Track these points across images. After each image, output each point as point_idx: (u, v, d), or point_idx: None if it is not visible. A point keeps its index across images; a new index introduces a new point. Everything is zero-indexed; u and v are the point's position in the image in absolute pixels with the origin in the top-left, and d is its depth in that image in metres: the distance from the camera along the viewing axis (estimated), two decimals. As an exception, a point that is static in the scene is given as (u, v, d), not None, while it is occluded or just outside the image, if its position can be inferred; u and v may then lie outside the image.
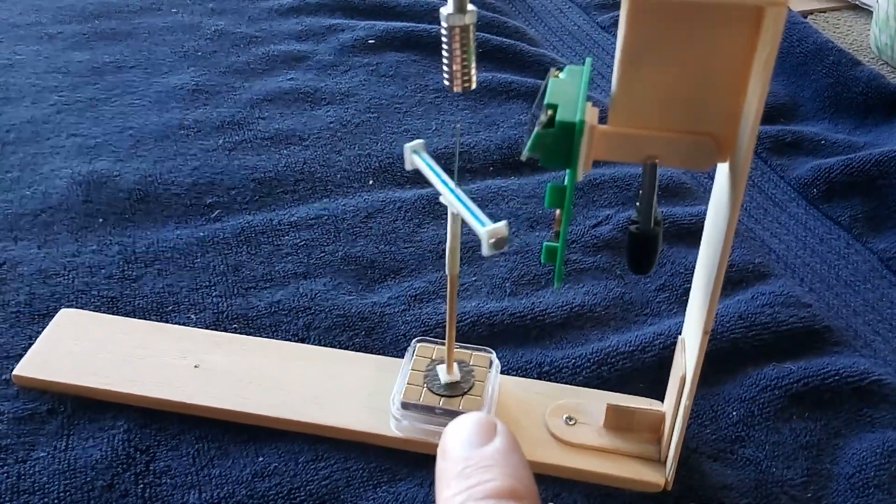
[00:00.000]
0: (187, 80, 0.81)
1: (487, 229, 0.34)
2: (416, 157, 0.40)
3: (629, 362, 0.52)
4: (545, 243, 0.39)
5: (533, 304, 0.56)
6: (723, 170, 0.36)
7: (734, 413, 0.49)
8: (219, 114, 0.76)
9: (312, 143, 0.73)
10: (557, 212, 0.36)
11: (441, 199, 0.40)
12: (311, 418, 0.47)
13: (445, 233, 0.63)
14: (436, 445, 0.45)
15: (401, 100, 0.81)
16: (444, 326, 0.53)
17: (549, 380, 0.51)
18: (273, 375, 0.49)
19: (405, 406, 0.45)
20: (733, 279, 0.59)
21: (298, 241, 0.61)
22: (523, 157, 0.34)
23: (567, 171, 0.34)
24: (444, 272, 0.59)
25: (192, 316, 0.54)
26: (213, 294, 0.56)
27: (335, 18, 0.95)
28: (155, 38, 0.89)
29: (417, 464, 0.46)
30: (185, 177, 0.67)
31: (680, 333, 0.52)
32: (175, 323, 0.54)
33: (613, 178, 0.69)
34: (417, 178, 0.70)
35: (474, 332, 0.54)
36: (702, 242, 0.41)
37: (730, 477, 0.46)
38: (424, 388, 0.46)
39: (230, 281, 0.57)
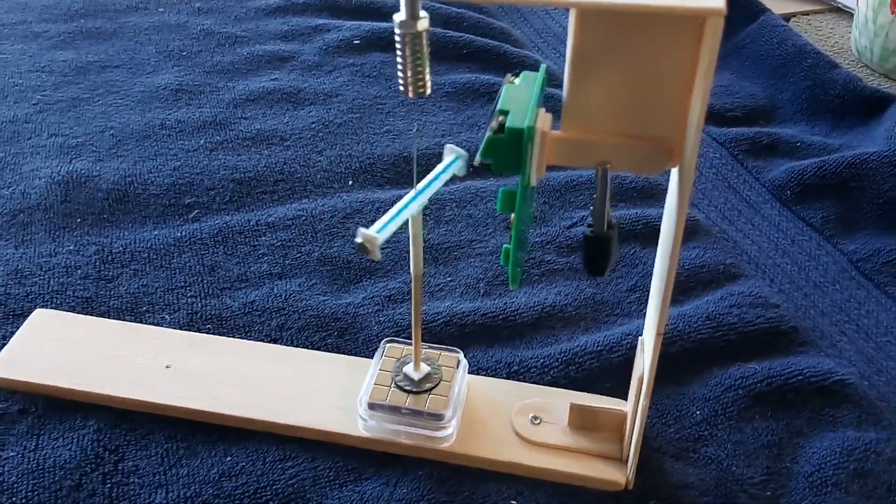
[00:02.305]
0: (171, 80, 0.82)
1: (361, 230, 0.34)
2: (447, 158, 0.40)
3: (596, 362, 0.52)
4: (504, 245, 0.40)
5: (505, 304, 0.57)
6: (675, 175, 0.37)
7: (698, 412, 0.50)
8: (201, 114, 0.77)
9: (294, 143, 0.74)
10: (512, 216, 0.37)
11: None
12: (279, 418, 0.47)
13: (423, 234, 0.64)
14: (403, 445, 0.46)
15: (383, 100, 0.81)
16: (415, 327, 0.54)
17: (518, 379, 0.51)
18: (244, 376, 0.50)
19: (372, 406, 0.46)
20: (704, 280, 0.59)
21: (275, 241, 0.62)
22: (476, 163, 0.34)
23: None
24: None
25: (167, 316, 0.55)
26: (188, 294, 0.57)
27: (321, 18, 0.96)
28: (140, 37, 0.89)
29: (384, 463, 0.46)
30: (165, 177, 0.68)
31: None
32: (149, 323, 0.54)
33: (590, 180, 0.70)
34: (397, 179, 0.71)
35: (446, 332, 0.54)
36: (658, 245, 0.41)
37: (691, 476, 0.46)
38: (392, 388, 0.47)
39: (205, 281, 0.58)
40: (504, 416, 0.48)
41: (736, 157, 0.74)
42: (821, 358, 0.54)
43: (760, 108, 0.81)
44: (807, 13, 1.02)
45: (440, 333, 0.54)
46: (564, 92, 0.35)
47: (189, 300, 0.56)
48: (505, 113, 0.34)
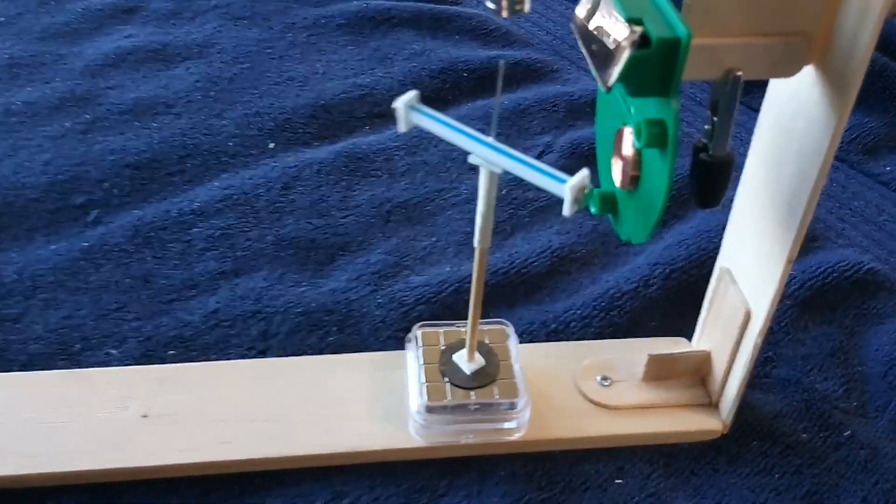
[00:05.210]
0: (-4, 54, 0.66)
1: (570, 184, 0.27)
2: (419, 115, 0.32)
3: (636, 302, 0.47)
4: (597, 191, 0.33)
5: (510, 256, 0.49)
6: (805, 74, 0.31)
7: (755, 334, 0.46)
8: (53, 90, 0.62)
9: (184, 108, 0.61)
10: (632, 152, 0.30)
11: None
12: (312, 448, 0.38)
13: (382, 192, 0.55)
14: (470, 446, 0.39)
15: (269, 44, 0.69)
16: (426, 303, 0.46)
17: (560, 339, 0.45)
18: (247, 406, 0.40)
19: (431, 410, 0.38)
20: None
21: (212, 231, 0.51)
22: (607, 87, 0.27)
23: (655, 99, 0.28)
24: (398, 238, 0.51)
25: (113, 350, 0.43)
26: (129, 317, 0.45)
27: (154, -42, 0.81)
28: (-66, 6, 0.71)
29: (453, 472, 0.39)
30: (37, 175, 0.54)
31: (681, 260, 0.48)
32: (92, 365, 0.42)
33: (538, 101, 0.63)
34: (324, 133, 0.60)
35: (460, 301, 0.46)
36: (752, 164, 0.36)
37: (777, 403, 0.43)
38: (448, 384, 0.39)
39: (143, 297, 0.46)
40: (567, 384, 0.42)
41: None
42: (839, 250, 0.51)
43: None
44: None
45: (454, 304, 0.46)
46: (688, -13, 0.27)
47: (133, 325, 0.45)
48: (638, 21, 0.26)
